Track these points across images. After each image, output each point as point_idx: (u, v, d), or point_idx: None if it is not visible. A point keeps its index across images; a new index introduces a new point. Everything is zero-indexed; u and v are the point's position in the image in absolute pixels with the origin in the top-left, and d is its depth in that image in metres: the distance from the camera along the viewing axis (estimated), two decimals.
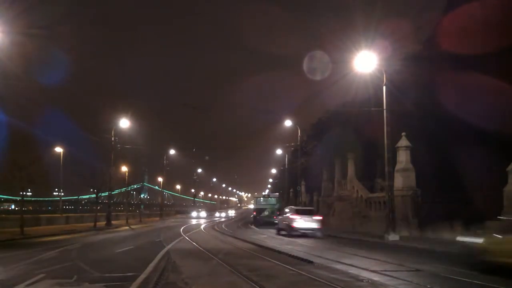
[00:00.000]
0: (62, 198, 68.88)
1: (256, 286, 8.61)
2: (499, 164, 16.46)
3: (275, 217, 33.95)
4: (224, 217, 69.23)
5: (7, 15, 16.73)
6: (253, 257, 13.91)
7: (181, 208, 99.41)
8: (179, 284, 8.91)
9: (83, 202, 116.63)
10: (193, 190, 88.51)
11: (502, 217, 12.37)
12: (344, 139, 33.90)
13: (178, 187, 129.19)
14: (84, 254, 14.83)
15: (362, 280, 9.42)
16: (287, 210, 27.02)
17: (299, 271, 10.50)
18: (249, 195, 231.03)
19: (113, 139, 34.74)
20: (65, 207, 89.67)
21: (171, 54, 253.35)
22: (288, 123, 40.20)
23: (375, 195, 27.33)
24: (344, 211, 31.59)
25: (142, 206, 63.37)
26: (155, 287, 8.47)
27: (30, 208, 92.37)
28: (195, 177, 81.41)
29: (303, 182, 44.44)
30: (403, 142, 22.61)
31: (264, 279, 9.36)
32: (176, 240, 20.50)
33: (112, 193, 43.99)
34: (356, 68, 20.96)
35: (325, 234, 23.94)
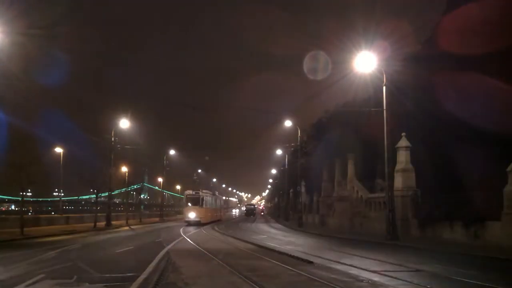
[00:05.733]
0: (62, 198, 68.84)
1: (256, 287, 8.61)
2: (499, 164, 16.44)
3: None
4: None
5: (7, 15, 16.73)
6: (253, 257, 13.91)
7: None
8: (179, 284, 8.90)
9: (83, 202, 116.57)
10: None
11: None
12: (344, 139, 33.82)
13: (178, 187, 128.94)
14: (84, 254, 14.85)
15: (362, 281, 9.41)
16: None
17: (299, 272, 10.49)
18: (249, 195, 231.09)
19: (113, 139, 34.72)
20: (65, 207, 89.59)
21: (171, 54, 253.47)
22: (288, 123, 40.15)
23: (375, 195, 27.29)
24: (344, 211, 31.56)
25: (142, 207, 63.11)
26: (155, 287, 8.47)
27: (30, 208, 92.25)
28: (195, 177, 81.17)
29: (303, 183, 44.38)
30: (403, 142, 22.61)
31: (264, 279, 9.35)
32: (176, 241, 20.51)
33: (112, 193, 43.94)
34: (356, 69, 20.93)
35: (325, 234, 23.93)
